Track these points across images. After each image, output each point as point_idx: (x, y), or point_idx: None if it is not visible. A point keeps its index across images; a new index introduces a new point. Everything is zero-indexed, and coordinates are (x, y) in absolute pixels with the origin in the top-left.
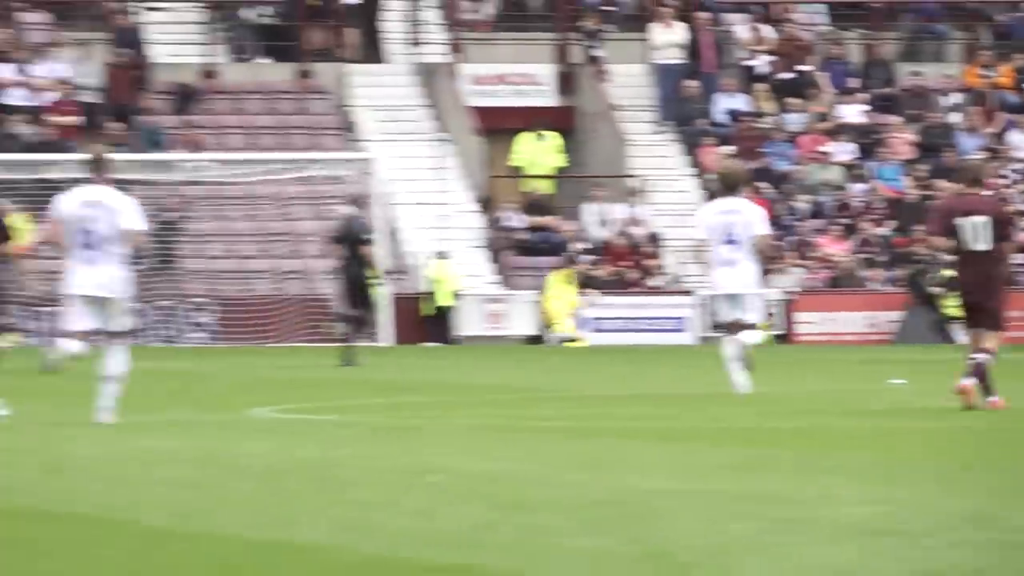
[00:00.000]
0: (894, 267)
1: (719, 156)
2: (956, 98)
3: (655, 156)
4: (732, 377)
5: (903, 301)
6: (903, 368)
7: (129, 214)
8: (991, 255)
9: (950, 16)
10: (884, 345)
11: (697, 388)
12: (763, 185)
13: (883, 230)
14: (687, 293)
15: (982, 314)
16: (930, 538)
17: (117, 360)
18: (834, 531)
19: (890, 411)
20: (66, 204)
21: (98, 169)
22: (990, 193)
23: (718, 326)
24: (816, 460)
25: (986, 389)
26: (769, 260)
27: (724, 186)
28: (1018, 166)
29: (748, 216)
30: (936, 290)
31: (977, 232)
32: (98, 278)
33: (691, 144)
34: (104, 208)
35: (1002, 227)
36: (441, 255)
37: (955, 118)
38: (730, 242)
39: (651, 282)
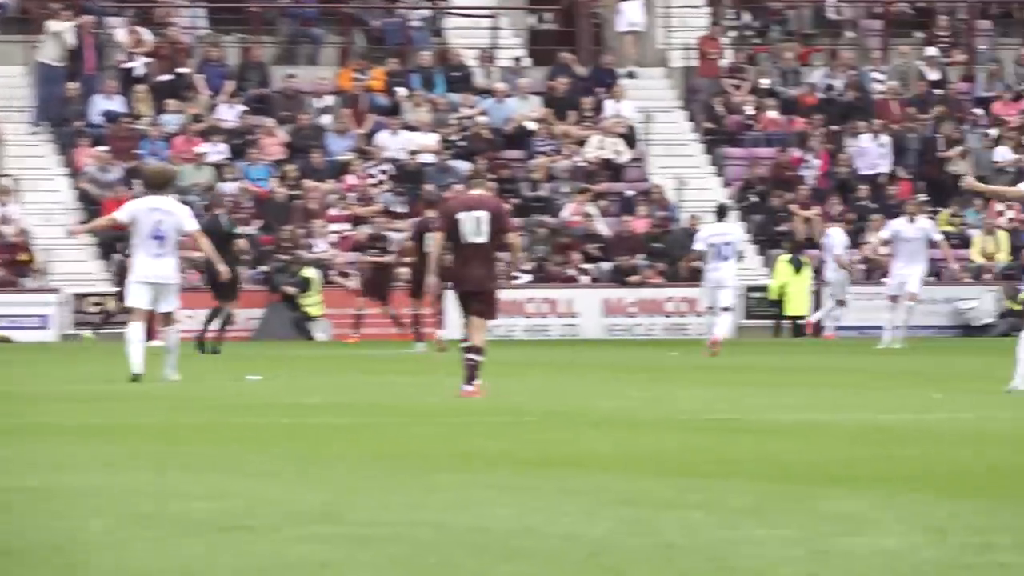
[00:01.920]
0: (259, 265)
1: (147, 160)
2: (328, 100)
3: (30, 156)
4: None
5: (264, 298)
6: (261, 364)
7: None
8: (488, 247)
9: (326, 20)
10: (245, 341)
11: (65, 385)
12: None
13: (250, 229)
14: (54, 291)
15: (479, 303)
16: (278, 532)
17: None
18: (183, 527)
19: (248, 406)
20: None
21: None
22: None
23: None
24: (171, 455)
25: (469, 378)
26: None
27: (151, 185)
28: (386, 166)
29: (179, 214)
30: (292, 289)
31: (478, 226)
32: None
33: (66, 145)
34: None
35: (504, 219)
36: None
37: (326, 120)
38: (158, 237)
39: (27, 280)
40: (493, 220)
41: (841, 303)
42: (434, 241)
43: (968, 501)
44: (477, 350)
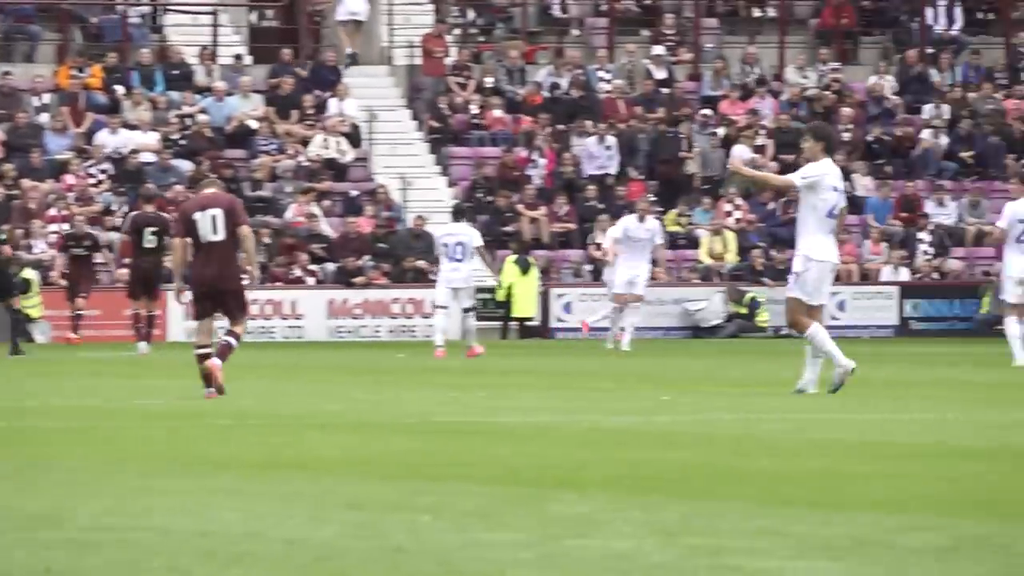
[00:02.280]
0: None
1: None
2: (46, 98)
3: None
4: None
5: None
6: None
7: None
8: (227, 244)
9: (43, 17)
10: None
11: None
12: None
13: None
14: None
15: (226, 301)
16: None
17: None
18: None
19: None
20: None
21: None
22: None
23: None
24: None
25: (221, 355)
26: None
27: None
28: (106, 165)
29: None
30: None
31: (214, 224)
32: None
33: None
34: None
35: (237, 213)
36: None
37: (44, 118)
38: None
39: None
40: (228, 216)
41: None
42: (175, 246)
43: (697, 503)
44: (235, 335)
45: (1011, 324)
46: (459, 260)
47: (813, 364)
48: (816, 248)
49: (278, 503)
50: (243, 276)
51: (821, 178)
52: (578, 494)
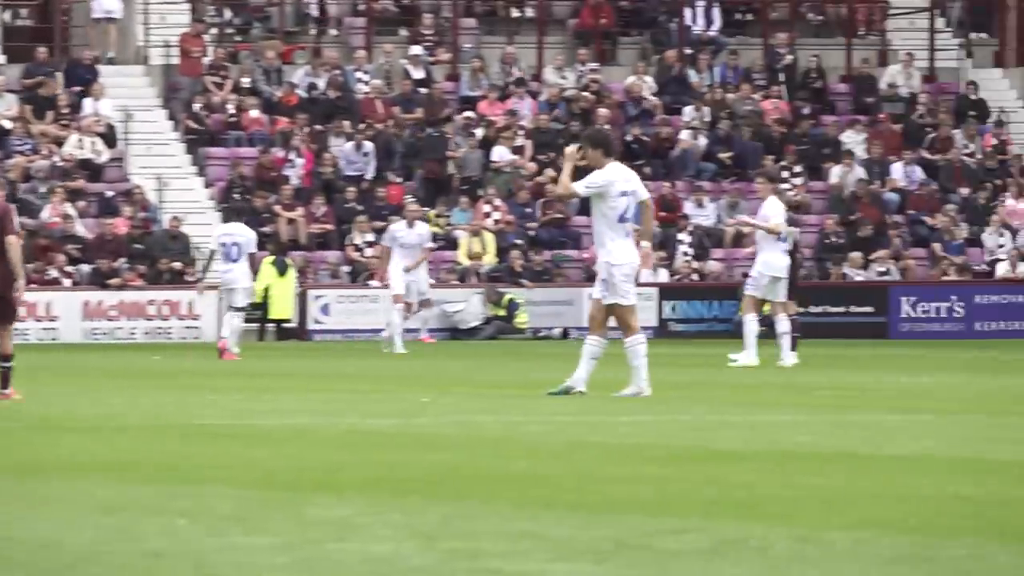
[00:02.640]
0: None
1: None
2: None
3: None
4: None
5: None
6: None
7: None
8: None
9: None
10: None
11: None
12: None
13: None
14: None
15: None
16: None
17: None
18: None
19: None
20: None
21: None
22: None
23: None
24: None
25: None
26: None
27: None
28: None
29: None
30: None
31: None
32: None
33: None
34: None
35: (6, 221)
36: None
37: None
38: None
39: None
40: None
41: (426, 303)
42: None
43: (457, 505)
44: (6, 357)
45: (752, 321)
46: (234, 260)
47: (588, 364)
48: (615, 253)
49: (32, 507)
50: (14, 283)
51: (607, 186)
52: (336, 497)
